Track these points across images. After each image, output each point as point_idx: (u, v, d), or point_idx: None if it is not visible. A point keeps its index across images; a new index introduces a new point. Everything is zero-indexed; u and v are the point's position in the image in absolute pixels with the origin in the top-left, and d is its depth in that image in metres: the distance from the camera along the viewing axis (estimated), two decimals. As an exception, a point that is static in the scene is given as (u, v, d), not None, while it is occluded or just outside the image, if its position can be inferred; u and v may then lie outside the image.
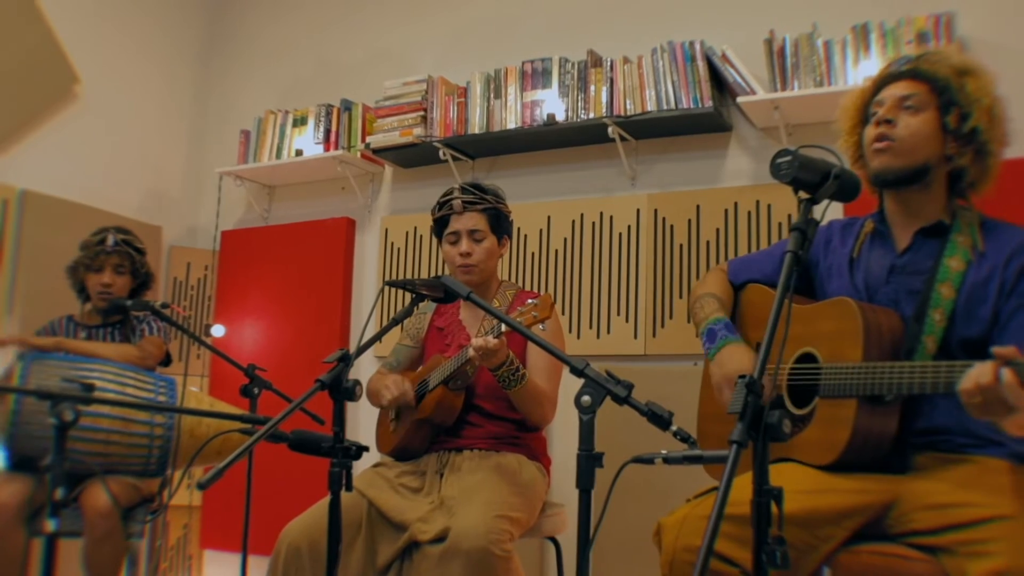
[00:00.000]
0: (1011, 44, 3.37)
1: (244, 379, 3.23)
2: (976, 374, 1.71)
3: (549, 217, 4.28)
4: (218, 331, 4.73)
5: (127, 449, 3.28)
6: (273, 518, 3.69)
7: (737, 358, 2.25)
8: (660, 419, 1.85)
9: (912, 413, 2.05)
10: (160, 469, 3.39)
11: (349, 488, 2.17)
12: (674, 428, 1.85)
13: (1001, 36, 3.40)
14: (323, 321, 4.77)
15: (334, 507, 2.16)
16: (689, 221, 3.97)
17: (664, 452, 1.78)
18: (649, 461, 1.79)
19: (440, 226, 3.11)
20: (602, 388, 1.87)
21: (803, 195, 1.74)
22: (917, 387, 1.89)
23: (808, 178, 1.72)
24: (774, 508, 1.50)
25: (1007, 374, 1.66)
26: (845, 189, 1.74)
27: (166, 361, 3.83)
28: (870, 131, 2.21)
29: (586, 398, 1.87)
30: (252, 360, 3.32)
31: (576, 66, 4.09)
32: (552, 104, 4.11)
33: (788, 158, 1.71)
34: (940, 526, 1.86)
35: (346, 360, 2.20)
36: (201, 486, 1.77)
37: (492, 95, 4.27)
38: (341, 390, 2.19)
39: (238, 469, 1.86)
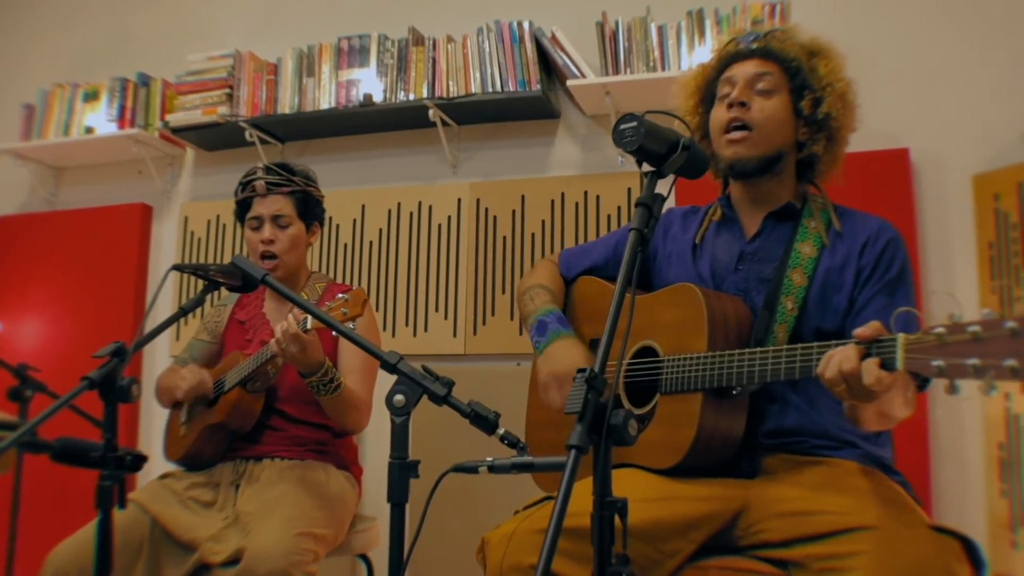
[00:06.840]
0: (843, 36, 3.32)
1: (12, 381, 2.87)
2: (839, 359, 1.54)
3: (364, 206, 4.07)
4: (-9, 327, 4.24)
5: None
6: (38, 542, 3.29)
7: (569, 354, 2.05)
8: (485, 421, 1.64)
9: (761, 413, 1.89)
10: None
11: (122, 505, 1.86)
12: (500, 432, 1.65)
13: (833, 27, 3.30)
14: (114, 317, 4.35)
15: (103, 527, 1.85)
16: (513, 212, 3.83)
17: (490, 459, 1.58)
18: (473, 470, 1.59)
19: (242, 209, 2.84)
20: (418, 385, 1.63)
21: (647, 167, 1.54)
22: (770, 374, 1.72)
23: (654, 148, 1.53)
24: (617, 522, 1.29)
25: (870, 363, 1.49)
26: (693, 163, 1.55)
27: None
28: (720, 114, 2.05)
29: (399, 397, 1.63)
30: (30, 360, 2.96)
31: (396, 44, 3.89)
32: (369, 84, 3.89)
33: (633, 124, 1.52)
34: (793, 537, 1.69)
35: (121, 355, 1.91)
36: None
37: (305, 73, 4.02)
38: (114, 389, 1.89)
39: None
